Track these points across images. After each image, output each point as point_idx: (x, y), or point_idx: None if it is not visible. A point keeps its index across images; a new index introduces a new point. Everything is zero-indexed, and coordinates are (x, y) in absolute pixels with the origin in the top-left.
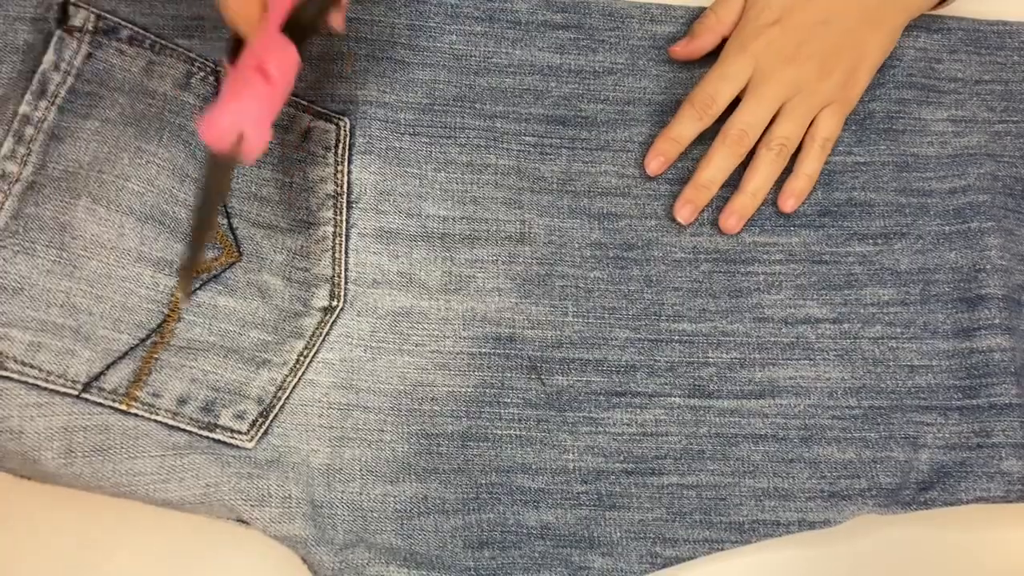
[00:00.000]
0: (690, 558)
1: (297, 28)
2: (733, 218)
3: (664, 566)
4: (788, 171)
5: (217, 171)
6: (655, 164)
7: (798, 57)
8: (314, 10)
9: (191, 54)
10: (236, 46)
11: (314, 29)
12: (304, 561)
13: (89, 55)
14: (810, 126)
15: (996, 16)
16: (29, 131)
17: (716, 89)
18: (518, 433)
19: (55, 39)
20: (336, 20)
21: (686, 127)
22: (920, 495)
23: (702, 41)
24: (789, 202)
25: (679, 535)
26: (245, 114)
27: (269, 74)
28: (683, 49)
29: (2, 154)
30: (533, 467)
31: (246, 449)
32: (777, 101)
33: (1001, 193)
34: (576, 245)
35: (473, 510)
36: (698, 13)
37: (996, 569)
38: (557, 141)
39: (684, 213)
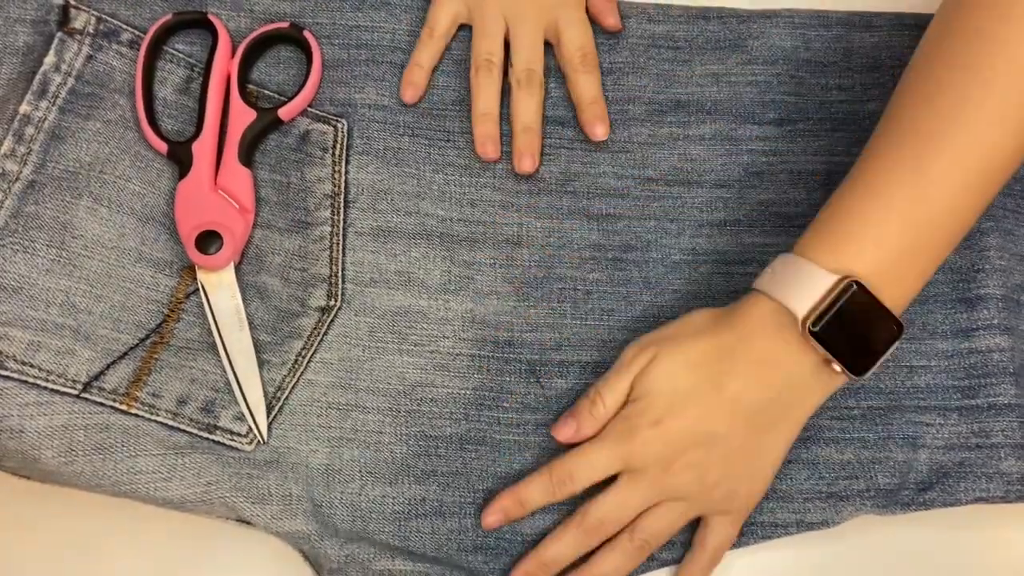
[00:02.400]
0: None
1: (248, 152)
2: None
3: (661, 566)
4: None
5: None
6: (492, 519)
7: (675, 466)
8: (257, 131)
9: (191, 59)
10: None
11: (258, 145)
12: (306, 558)
13: (90, 57)
14: (700, 532)
15: None
16: (29, 131)
17: (577, 471)
18: (516, 437)
19: (56, 41)
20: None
21: (535, 494)
22: (919, 495)
23: (589, 429)
24: None
25: (678, 538)
26: (235, 245)
27: (244, 207)
28: (564, 435)
29: (2, 153)
30: (531, 471)
31: (246, 451)
32: (647, 503)
33: (1000, 194)
34: (574, 247)
35: (469, 514)
36: (695, 13)
37: (996, 569)
38: (556, 141)
39: None
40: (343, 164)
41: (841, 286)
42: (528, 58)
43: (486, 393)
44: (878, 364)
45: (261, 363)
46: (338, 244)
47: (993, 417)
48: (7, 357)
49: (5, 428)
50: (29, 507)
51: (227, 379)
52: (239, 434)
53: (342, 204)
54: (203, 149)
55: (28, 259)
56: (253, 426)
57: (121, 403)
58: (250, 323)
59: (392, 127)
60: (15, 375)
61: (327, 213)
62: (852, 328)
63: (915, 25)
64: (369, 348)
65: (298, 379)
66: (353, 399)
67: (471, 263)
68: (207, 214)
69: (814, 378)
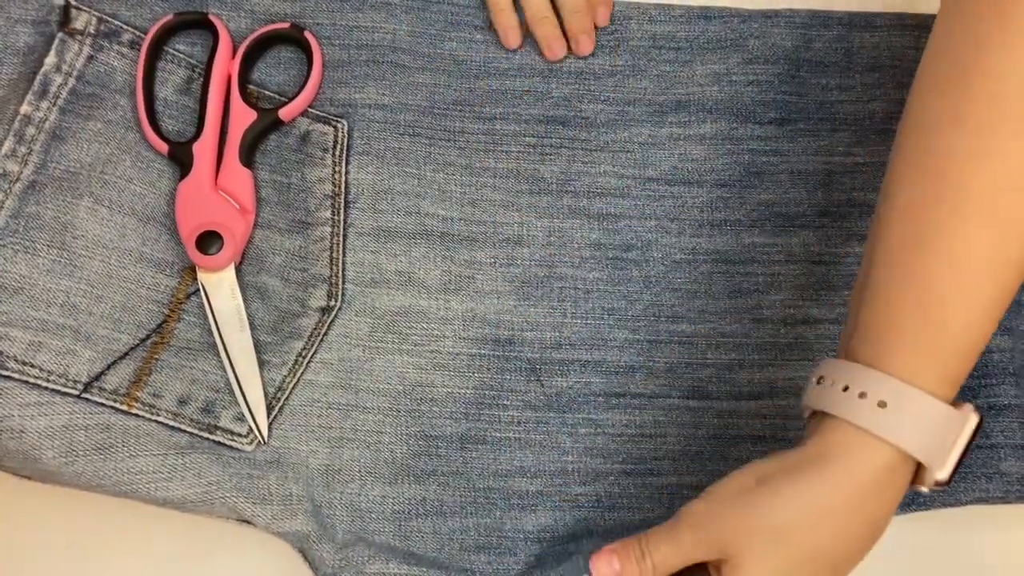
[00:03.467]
0: None
1: (248, 152)
2: None
3: None
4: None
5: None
6: None
7: None
8: (257, 132)
9: (191, 60)
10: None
11: (258, 145)
12: (305, 558)
13: (90, 57)
14: None
15: None
16: (30, 131)
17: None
18: (517, 436)
19: (57, 41)
20: None
21: None
22: (919, 495)
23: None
24: None
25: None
26: (235, 245)
27: (244, 208)
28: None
29: (2, 153)
30: (532, 470)
31: (246, 451)
32: None
33: None
34: (575, 246)
35: (470, 514)
36: (696, 13)
37: (996, 571)
38: (557, 142)
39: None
40: (343, 164)
41: (972, 426)
42: None
43: (486, 392)
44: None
45: (261, 363)
46: (338, 244)
47: (993, 417)
48: (8, 357)
49: (6, 428)
50: (29, 507)
51: (227, 379)
52: (239, 434)
53: (342, 204)
54: (204, 150)
55: (29, 259)
56: (253, 426)
57: (122, 403)
58: (250, 323)
59: (392, 127)
60: (16, 375)
61: (327, 213)
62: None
63: (916, 25)
64: (369, 348)
65: (298, 379)
66: (353, 399)
67: (472, 262)
68: (208, 215)
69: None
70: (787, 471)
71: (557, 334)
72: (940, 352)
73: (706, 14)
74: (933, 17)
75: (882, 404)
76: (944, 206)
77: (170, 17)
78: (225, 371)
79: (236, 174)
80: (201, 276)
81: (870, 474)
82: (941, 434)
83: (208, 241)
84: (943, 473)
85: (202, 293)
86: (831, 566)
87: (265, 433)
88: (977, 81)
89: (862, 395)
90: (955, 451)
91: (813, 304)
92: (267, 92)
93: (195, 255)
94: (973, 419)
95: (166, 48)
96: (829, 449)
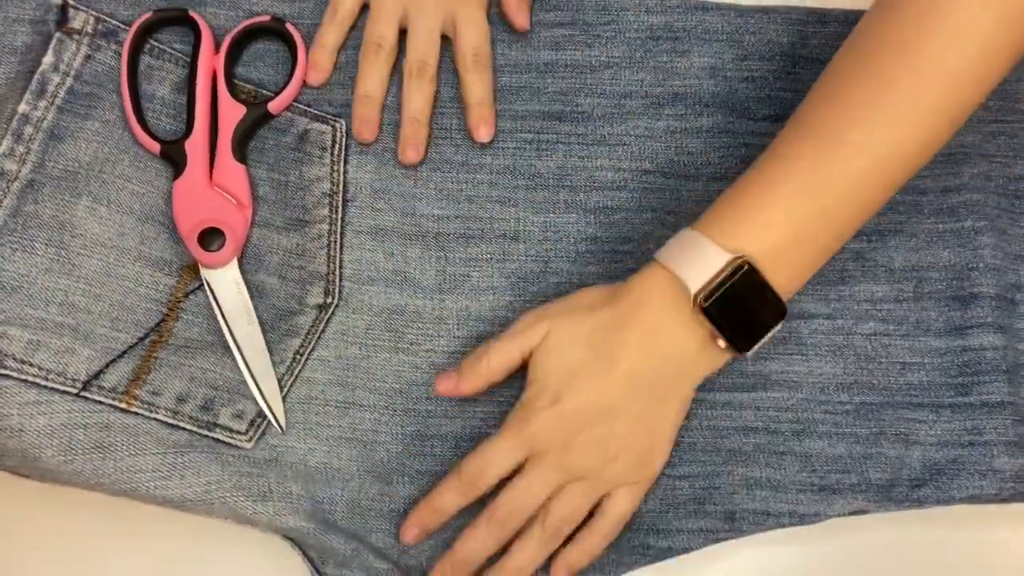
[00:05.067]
0: (684, 549)
1: (241, 147)
2: None
3: (656, 557)
4: None
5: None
6: (410, 535)
7: (575, 444)
8: (248, 126)
9: (188, 58)
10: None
11: (250, 139)
12: (305, 556)
13: (88, 57)
14: (604, 501)
15: None
16: (28, 130)
17: (485, 466)
18: None
19: (54, 41)
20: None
21: (448, 499)
22: (913, 492)
23: (469, 385)
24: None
25: (672, 526)
26: (236, 241)
27: (241, 203)
28: (444, 387)
29: (1, 152)
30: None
31: (245, 449)
32: (551, 486)
33: (994, 192)
34: (571, 240)
35: (465, 511)
36: (693, 4)
37: (992, 570)
38: (553, 137)
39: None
40: (342, 163)
41: (734, 265)
42: (422, 50)
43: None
44: (760, 343)
45: None
46: (336, 242)
47: (986, 415)
48: (6, 356)
49: (5, 427)
50: (29, 507)
51: (235, 375)
52: (238, 432)
53: (340, 202)
54: (195, 146)
55: (27, 258)
56: (271, 416)
57: (120, 401)
58: None
59: (390, 127)
60: (14, 374)
61: (325, 211)
62: (740, 306)
63: None
64: (366, 346)
65: (296, 377)
66: (350, 397)
67: (468, 260)
68: (206, 212)
69: (700, 352)
70: (601, 294)
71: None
72: (729, 215)
73: (704, 6)
74: None
75: (673, 244)
76: (800, 128)
77: (149, 15)
78: (238, 365)
79: (230, 169)
80: (205, 273)
81: (651, 290)
82: (701, 262)
83: (209, 238)
84: (694, 284)
85: (207, 290)
86: (609, 359)
87: (283, 422)
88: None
89: (672, 243)
90: (709, 276)
91: (808, 299)
92: (253, 86)
93: (198, 252)
94: (742, 263)
95: (161, 46)
96: (632, 280)
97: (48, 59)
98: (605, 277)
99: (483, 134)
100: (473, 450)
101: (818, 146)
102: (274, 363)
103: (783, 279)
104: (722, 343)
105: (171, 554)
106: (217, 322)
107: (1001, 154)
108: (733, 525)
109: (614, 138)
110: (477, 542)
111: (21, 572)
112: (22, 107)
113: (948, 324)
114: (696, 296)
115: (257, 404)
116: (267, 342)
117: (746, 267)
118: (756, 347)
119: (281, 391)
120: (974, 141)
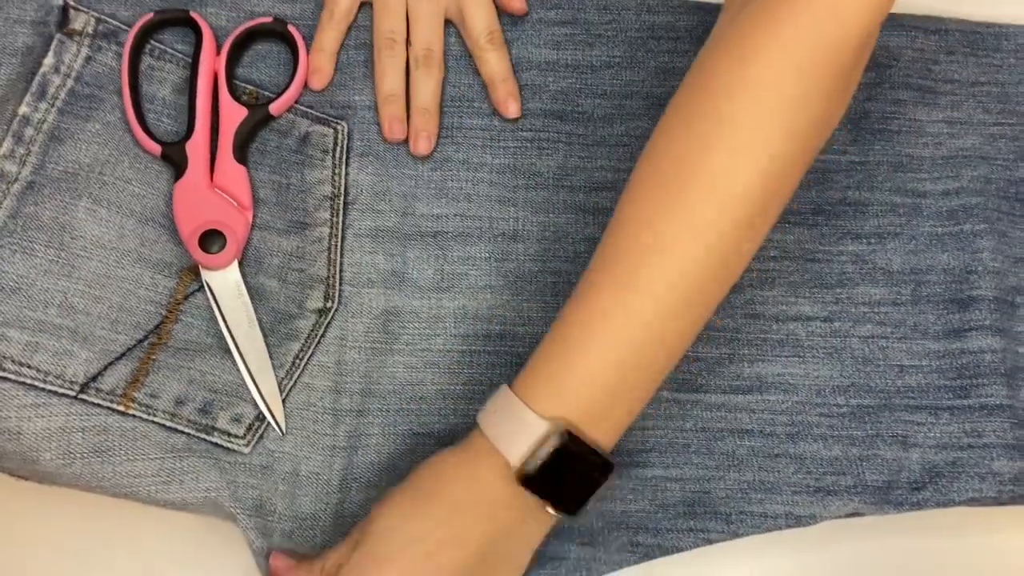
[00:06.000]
0: (674, 548)
1: (242, 149)
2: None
3: (645, 556)
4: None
5: None
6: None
7: None
8: (249, 128)
9: (189, 59)
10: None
11: (251, 142)
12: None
13: (89, 58)
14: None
15: (993, 18)
16: (29, 132)
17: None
18: None
19: (55, 42)
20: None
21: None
22: (912, 495)
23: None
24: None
25: (662, 525)
26: (237, 242)
27: (242, 204)
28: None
29: (1, 153)
30: None
31: (242, 454)
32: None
33: (994, 196)
34: (569, 240)
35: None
36: (694, 4)
37: (987, 571)
38: (554, 136)
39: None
40: (343, 166)
41: (554, 434)
42: (427, 38)
43: (475, 387)
44: (590, 502)
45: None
46: (336, 246)
47: (985, 417)
48: (5, 358)
49: (3, 430)
50: (28, 507)
51: (225, 379)
52: (236, 436)
53: (341, 206)
54: (196, 148)
55: (26, 259)
56: (271, 418)
57: (118, 404)
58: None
59: None
60: (13, 376)
61: (326, 215)
62: (563, 471)
63: (912, 26)
64: (364, 350)
65: (295, 382)
66: (347, 404)
67: (466, 259)
68: (207, 213)
69: (529, 522)
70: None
71: (549, 329)
72: (543, 376)
73: (705, 6)
74: (929, 18)
75: (491, 408)
76: (599, 274)
77: (151, 16)
78: (237, 368)
79: (231, 171)
80: (205, 275)
81: (464, 454)
82: (520, 433)
83: (210, 240)
84: (513, 458)
85: (208, 292)
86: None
87: (283, 424)
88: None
89: (491, 406)
90: (530, 447)
91: (806, 301)
92: (254, 88)
93: (198, 254)
94: (561, 431)
95: (161, 47)
96: (452, 452)
97: (49, 61)
98: None
99: (512, 109)
100: None
101: (616, 294)
102: (274, 367)
103: (605, 431)
104: (551, 510)
105: (171, 554)
106: (217, 325)
107: (1001, 157)
108: (728, 527)
109: (614, 138)
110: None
111: (21, 572)
112: (23, 109)
113: (946, 327)
114: (520, 470)
115: (256, 408)
116: (267, 345)
117: (566, 436)
118: (586, 506)
119: (281, 394)
120: (974, 144)
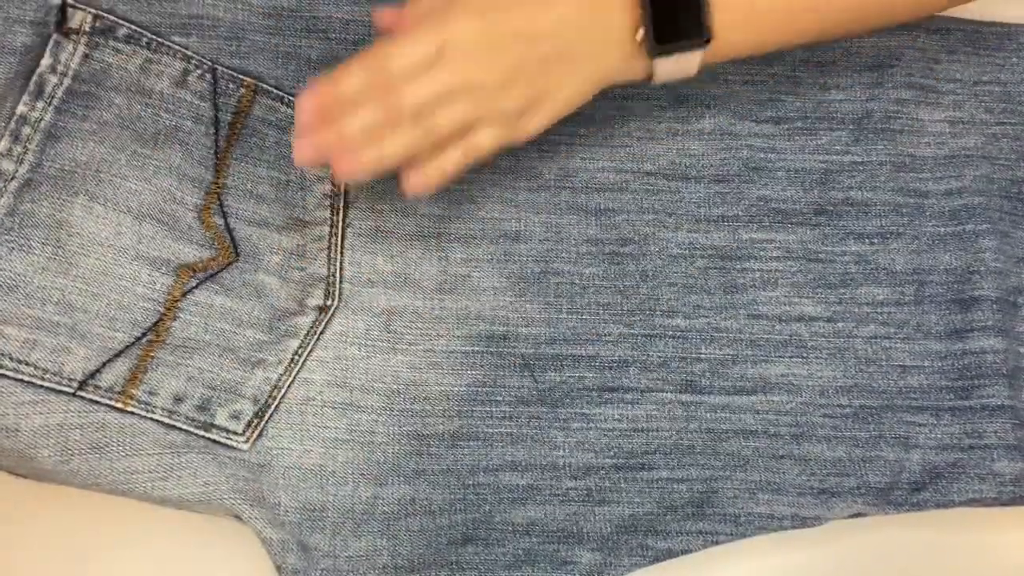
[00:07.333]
0: (684, 551)
1: None
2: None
3: (656, 559)
4: None
5: None
6: (306, 107)
7: (484, 57)
8: None
9: (187, 52)
10: None
11: None
12: (279, 569)
13: (86, 56)
14: (468, 133)
15: (995, 17)
16: (26, 131)
17: (393, 51)
18: (509, 431)
19: (51, 42)
20: None
21: (348, 82)
22: (912, 496)
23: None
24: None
25: (671, 528)
26: None
27: None
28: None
29: None
30: (522, 464)
31: (241, 451)
32: (447, 86)
33: (997, 195)
34: (572, 241)
35: (460, 510)
36: None
37: (988, 571)
38: (556, 138)
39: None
40: None
41: None
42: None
43: (479, 388)
44: (674, 54)
45: (258, 361)
46: (336, 244)
47: (986, 418)
48: (2, 355)
49: (1, 427)
50: (27, 506)
51: (223, 376)
52: (235, 432)
53: (342, 204)
54: None
55: (24, 257)
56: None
57: (117, 401)
58: (247, 322)
59: None
60: (10, 373)
61: (327, 213)
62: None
63: (914, 26)
64: (365, 347)
65: (294, 378)
66: (348, 397)
67: (468, 260)
68: None
69: (615, 43)
70: None
71: (552, 329)
72: None
73: None
74: (931, 18)
75: None
76: None
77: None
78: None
79: None
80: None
81: None
82: None
83: None
84: None
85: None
86: (555, 14)
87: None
88: None
89: None
90: None
91: (808, 301)
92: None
93: None
94: None
95: (158, 39)
96: None
97: (46, 61)
98: (605, 278)
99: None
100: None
101: None
102: (272, 364)
103: (723, 12)
104: (639, 35)
105: (171, 554)
106: (214, 322)
107: (1004, 157)
108: (736, 528)
109: (615, 139)
110: (358, 118)
111: (21, 571)
112: (20, 108)
113: (949, 327)
114: None
115: (254, 404)
116: (264, 342)
117: None
118: (668, 55)
119: (278, 392)
120: (977, 144)
